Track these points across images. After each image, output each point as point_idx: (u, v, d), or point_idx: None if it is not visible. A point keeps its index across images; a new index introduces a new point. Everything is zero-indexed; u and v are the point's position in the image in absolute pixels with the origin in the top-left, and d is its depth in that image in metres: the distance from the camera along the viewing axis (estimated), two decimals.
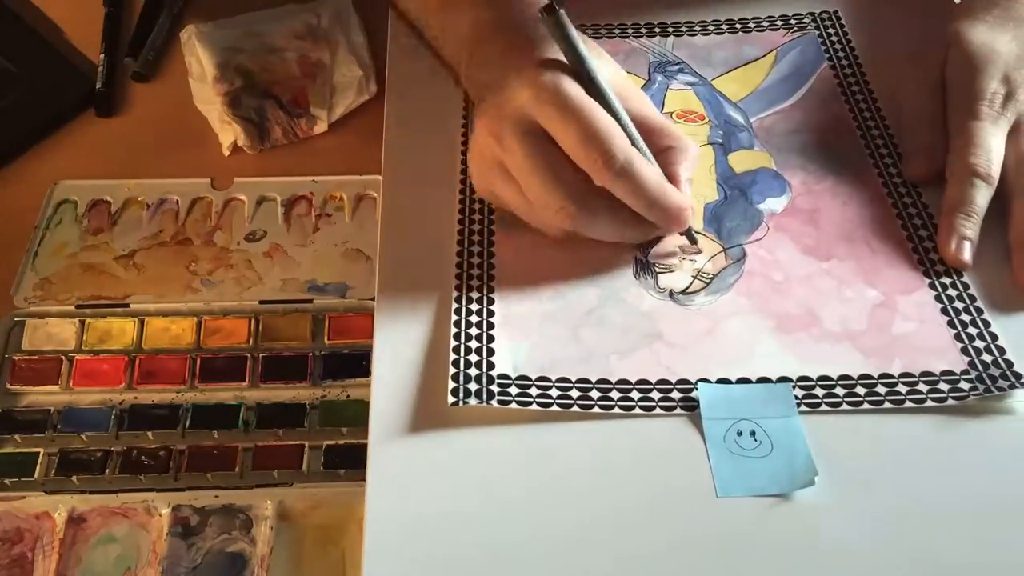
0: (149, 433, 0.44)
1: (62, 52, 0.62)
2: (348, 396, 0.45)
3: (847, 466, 0.38)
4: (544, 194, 0.41)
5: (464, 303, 0.44)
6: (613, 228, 0.43)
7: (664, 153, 0.44)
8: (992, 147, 0.46)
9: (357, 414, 0.44)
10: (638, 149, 0.42)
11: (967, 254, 0.45)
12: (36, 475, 0.42)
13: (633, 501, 0.38)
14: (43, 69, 0.60)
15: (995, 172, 0.46)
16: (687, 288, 0.45)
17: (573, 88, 0.41)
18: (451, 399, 0.40)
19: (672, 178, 0.43)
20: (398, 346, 0.43)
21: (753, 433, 0.39)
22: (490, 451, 0.39)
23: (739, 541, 0.36)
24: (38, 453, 0.43)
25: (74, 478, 0.42)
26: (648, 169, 0.41)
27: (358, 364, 0.46)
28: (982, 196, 0.45)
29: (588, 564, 0.36)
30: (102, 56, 0.61)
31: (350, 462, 0.42)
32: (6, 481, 0.42)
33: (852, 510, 0.37)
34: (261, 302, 0.48)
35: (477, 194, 0.48)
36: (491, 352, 0.42)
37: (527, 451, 0.39)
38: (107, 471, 0.42)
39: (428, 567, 0.36)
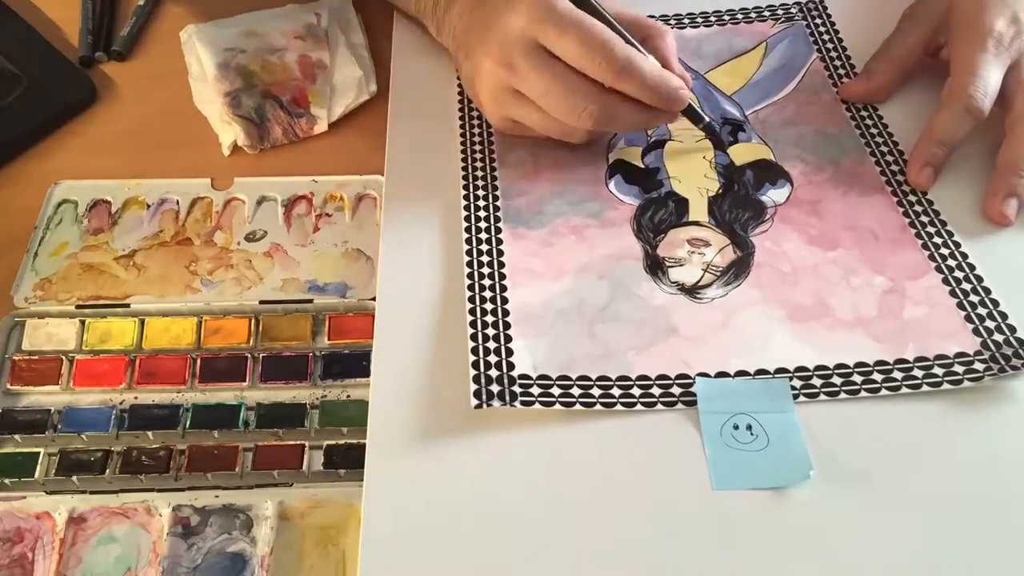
0: (149, 433, 0.44)
1: (62, 52, 0.62)
2: (348, 396, 0.45)
3: (843, 459, 0.39)
4: (564, 103, 0.45)
5: (478, 303, 0.44)
6: (631, 118, 0.47)
7: (647, 41, 0.48)
8: (991, 82, 0.48)
9: (357, 414, 0.44)
10: (632, 46, 0.46)
11: (930, 180, 0.49)
12: (36, 475, 0.42)
13: (630, 494, 0.38)
14: (43, 69, 0.60)
15: (986, 107, 0.48)
16: (698, 282, 0.45)
17: (563, 4, 0.44)
18: (474, 402, 0.40)
19: (663, 62, 0.48)
20: (398, 346, 0.43)
21: (750, 427, 0.39)
22: (488, 451, 0.39)
23: (735, 534, 0.37)
24: (38, 453, 0.43)
25: (74, 478, 0.42)
26: (645, 61, 0.45)
27: (358, 364, 0.46)
28: (964, 130, 0.48)
29: (586, 560, 0.36)
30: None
31: (350, 462, 0.42)
32: (6, 481, 0.42)
33: (848, 503, 0.37)
34: (261, 302, 0.48)
35: (495, 127, 0.51)
36: (509, 352, 0.42)
37: (525, 450, 0.39)
38: (107, 471, 0.42)
39: (425, 568, 0.36)
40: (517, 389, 0.40)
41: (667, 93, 0.46)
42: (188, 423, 0.44)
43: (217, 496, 0.42)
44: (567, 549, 0.36)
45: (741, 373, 0.41)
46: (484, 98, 0.49)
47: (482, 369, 0.41)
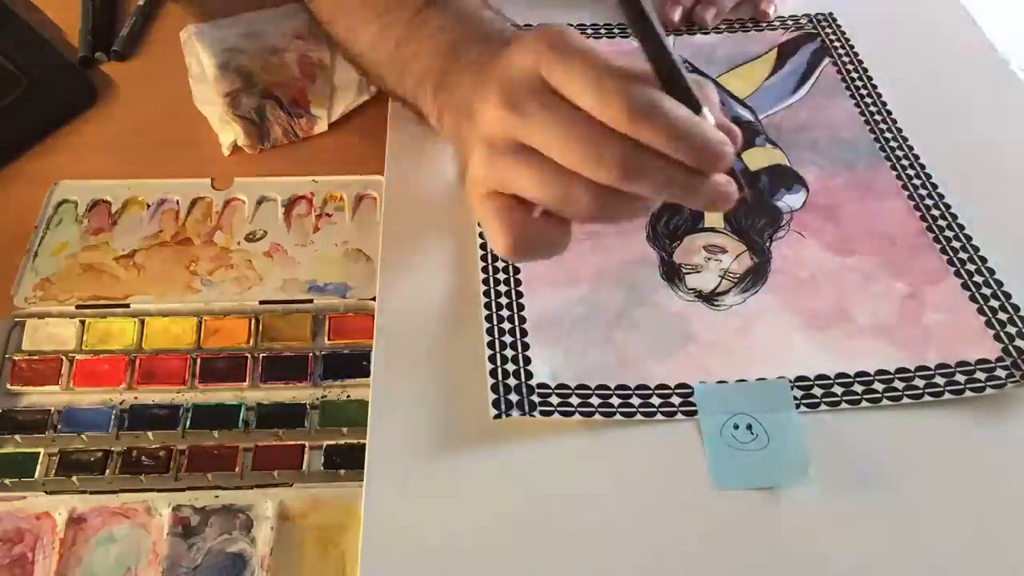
0: (149, 433, 0.44)
1: (62, 52, 0.62)
2: (348, 396, 0.45)
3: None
4: (582, 147, 0.34)
5: (494, 309, 0.43)
6: (662, 172, 0.34)
7: None
8: None
9: (357, 414, 0.44)
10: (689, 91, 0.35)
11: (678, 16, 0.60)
12: (36, 475, 0.42)
13: (629, 493, 0.38)
14: (43, 69, 0.60)
15: None
16: (715, 289, 0.45)
17: (573, 33, 0.35)
18: (493, 411, 0.39)
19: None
20: (398, 346, 0.43)
21: (750, 427, 0.39)
22: (487, 453, 0.39)
23: (735, 533, 0.37)
24: (38, 453, 0.43)
25: (74, 478, 0.42)
26: (675, 104, 0.34)
27: (358, 364, 0.46)
28: None
29: (585, 558, 0.36)
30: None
31: (350, 462, 0.42)
32: (6, 481, 0.42)
33: (848, 503, 0.37)
34: (261, 302, 0.48)
35: (475, 211, 0.38)
36: (527, 360, 0.41)
37: (524, 449, 0.39)
38: (107, 471, 0.42)
39: (425, 568, 0.36)
40: (536, 399, 0.40)
41: (702, 144, 0.33)
42: (188, 423, 0.44)
43: (217, 496, 0.42)
44: (565, 548, 0.36)
45: (760, 381, 0.41)
46: (477, 158, 0.37)
47: (500, 378, 0.41)
